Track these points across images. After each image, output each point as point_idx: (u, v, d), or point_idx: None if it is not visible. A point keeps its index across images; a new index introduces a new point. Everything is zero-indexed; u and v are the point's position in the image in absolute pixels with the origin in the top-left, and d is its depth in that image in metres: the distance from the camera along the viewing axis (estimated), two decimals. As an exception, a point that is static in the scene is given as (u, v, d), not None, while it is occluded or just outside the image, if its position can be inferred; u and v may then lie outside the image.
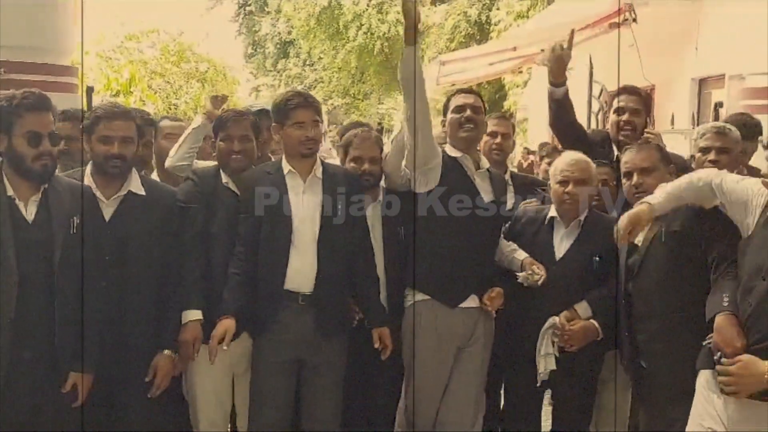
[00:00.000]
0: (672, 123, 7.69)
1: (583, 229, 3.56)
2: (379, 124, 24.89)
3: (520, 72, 14.72)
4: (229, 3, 31.87)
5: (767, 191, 2.74)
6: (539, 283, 3.43)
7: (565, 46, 3.93)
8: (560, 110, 3.96)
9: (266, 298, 3.38)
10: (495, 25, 20.58)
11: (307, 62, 28.46)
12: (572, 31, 4.14)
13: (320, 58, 25.80)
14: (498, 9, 20.75)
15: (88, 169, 3.23)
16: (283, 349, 3.36)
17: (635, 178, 3.24)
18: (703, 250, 2.94)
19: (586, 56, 9.50)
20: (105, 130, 3.14)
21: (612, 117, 4.00)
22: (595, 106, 8.42)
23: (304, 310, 3.36)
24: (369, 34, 22.17)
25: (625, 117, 3.90)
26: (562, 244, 3.56)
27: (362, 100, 27.74)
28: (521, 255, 3.57)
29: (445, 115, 3.68)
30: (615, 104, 3.98)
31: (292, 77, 29.71)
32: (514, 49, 10.63)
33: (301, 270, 3.38)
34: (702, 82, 8.06)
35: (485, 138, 4.12)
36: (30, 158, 2.89)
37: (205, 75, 10.87)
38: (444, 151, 3.59)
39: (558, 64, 3.91)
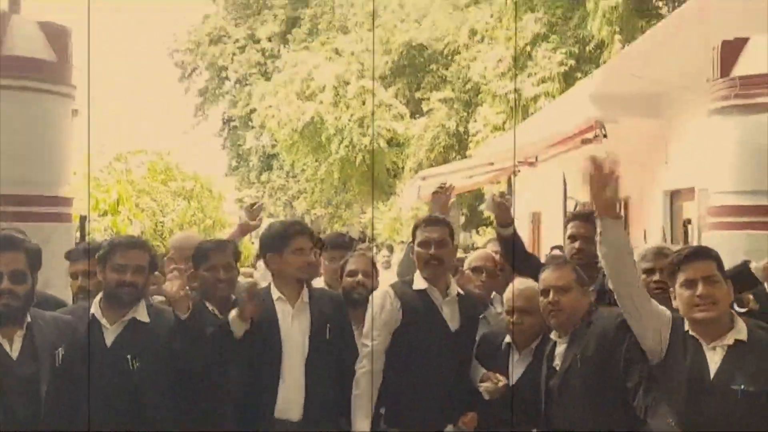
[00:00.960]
0: (645, 239, 7.91)
1: (535, 357, 3.57)
2: (362, 233, 25.21)
3: (498, 182, 15.10)
4: (214, 118, 32.73)
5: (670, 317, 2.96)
6: (501, 391, 3.48)
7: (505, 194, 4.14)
8: (509, 246, 4.05)
9: (256, 425, 3.39)
10: (473, 136, 21.20)
11: (290, 174, 28.94)
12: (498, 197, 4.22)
13: (303, 170, 26.29)
14: (475, 121, 21.41)
15: (98, 298, 3.26)
16: None
17: (551, 295, 3.33)
18: (622, 374, 3.02)
19: (560, 174, 9.84)
20: (120, 259, 3.19)
21: (566, 243, 4.08)
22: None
23: None
24: (351, 147, 22.72)
25: (577, 245, 3.94)
26: (516, 371, 3.60)
27: (345, 210, 28.13)
28: (482, 369, 3.64)
29: (414, 240, 3.75)
30: (568, 231, 4.03)
31: (275, 189, 30.14)
32: (491, 163, 10.99)
33: (290, 397, 3.40)
34: (674, 195, 8.35)
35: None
36: None
37: (191, 192, 11.08)
38: (407, 283, 3.70)
39: (501, 210, 4.04)
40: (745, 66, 4.66)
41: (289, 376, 3.42)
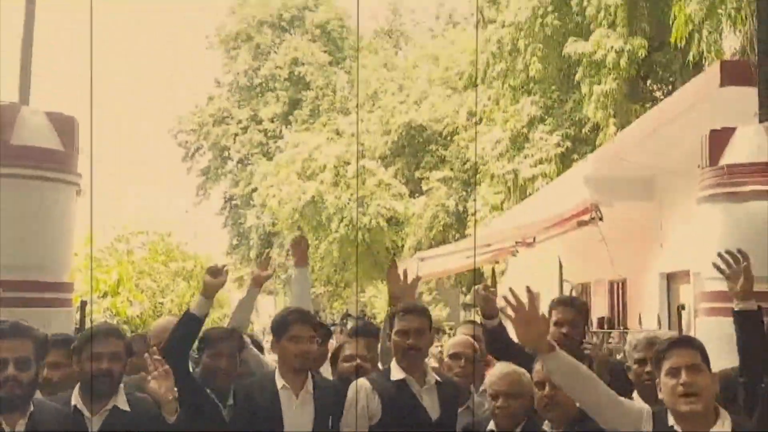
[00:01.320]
0: (639, 323, 7.96)
1: None
2: (362, 311, 25.15)
3: (498, 262, 15.19)
4: (216, 197, 33.09)
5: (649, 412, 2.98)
6: None
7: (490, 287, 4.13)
8: (494, 335, 3.99)
9: None
10: (472, 215, 21.42)
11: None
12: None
13: (303, 249, 26.35)
14: (474, 200, 21.67)
15: (76, 388, 3.26)
16: None
17: (547, 388, 3.32)
18: None
19: (556, 257, 9.95)
20: (95, 347, 3.19)
21: (551, 329, 3.87)
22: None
23: None
24: (350, 226, 22.91)
25: (564, 330, 3.93)
26: None
27: (344, 288, 28.13)
28: None
29: (390, 329, 3.70)
30: (553, 317, 3.98)
31: (275, 266, 30.25)
32: (489, 245, 11.10)
33: None
34: (670, 277, 8.42)
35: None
36: None
37: (191, 273, 11.16)
38: (384, 375, 3.65)
39: (486, 303, 3.99)
40: (732, 155, 4.80)
41: None
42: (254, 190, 27.89)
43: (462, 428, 3.74)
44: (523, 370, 3.55)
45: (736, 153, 4.79)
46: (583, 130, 17.53)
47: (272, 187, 24.89)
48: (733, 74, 5.70)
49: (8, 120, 4.30)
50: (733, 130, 4.87)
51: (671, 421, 2.96)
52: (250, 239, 31.01)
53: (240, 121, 31.62)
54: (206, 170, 32.98)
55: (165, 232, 11.43)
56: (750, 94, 5.03)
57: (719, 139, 4.87)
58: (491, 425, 3.59)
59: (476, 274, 20.52)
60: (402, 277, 4.15)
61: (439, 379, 3.72)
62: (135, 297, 9.67)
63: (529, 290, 3.27)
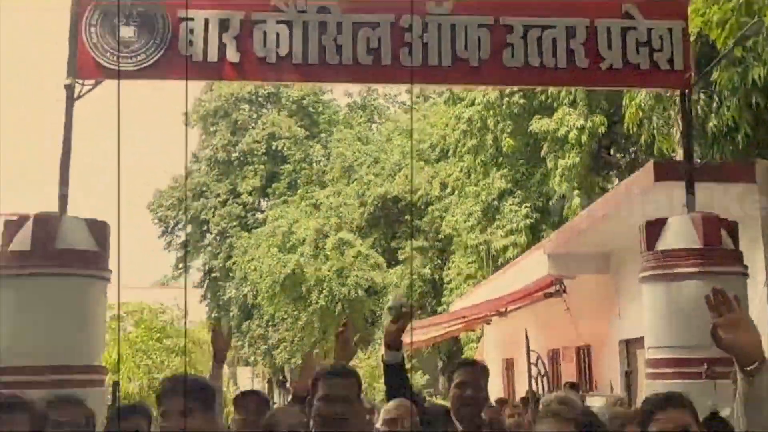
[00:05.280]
0: (595, 387, 8.71)
1: None
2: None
3: (473, 331, 15.92)
4: (194, 271, 33.50)
5: None
6: None
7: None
8: (395, 370, 3.81)
9: None
10: (447, 284, 22.13)
11: (270, 323, 29.50)
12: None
13: (284, 319, 26.84)
14: (449, 269, 22.36)
15: None
16: None
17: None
18: None
19: (528, 322, 10.74)
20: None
21: (454, 392, 3.91)
22: (534, 372, 9.51)
23: None
24: (330, 297, 23.45)
25: (468, 392, 3.81)
26: None
27: (325, 358, 28.43)
28: None
29: (314, 387, 3.23)
30: (455, 379, 3.88)
31: (255, 338, 30.55)
32: (464, 317, 11.90)
33: None
34: (628, 343, 9.22)
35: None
36: None
37: (182, 349, 11.72)
38: None
39: (391, 335, 3.80)
40: (665, 242, 5.66)
41: None
42: (234, 262, 28.39)
43: None
44: (408, 403, 3.48)
45: (668, 240, 5.65)
46: (551, 202, 18.44)
47: (253, 260, 25.48)
48: (663, 172, 6.67)
49: (53, 228, 5.08)
50: (665, 220, 5.74)
51: None
52: (230, 311, 31.36)
53: (218, 195, 32.24)
54: (185, 244, 33.48)
55: (159, 308, 12.06)
56: (680, 188, 5.92)
57: (654, 227, 5.72)
58: None
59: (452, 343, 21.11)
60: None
61: None
62: (134, 374, 10.24)
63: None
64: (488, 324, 14.15)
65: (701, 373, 5.22)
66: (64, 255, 5.09)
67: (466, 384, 3.81)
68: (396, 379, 3.79)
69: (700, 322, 5.27)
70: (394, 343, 3.77)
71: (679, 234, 5.66)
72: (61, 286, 5.07)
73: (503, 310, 12.35)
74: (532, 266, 10.36)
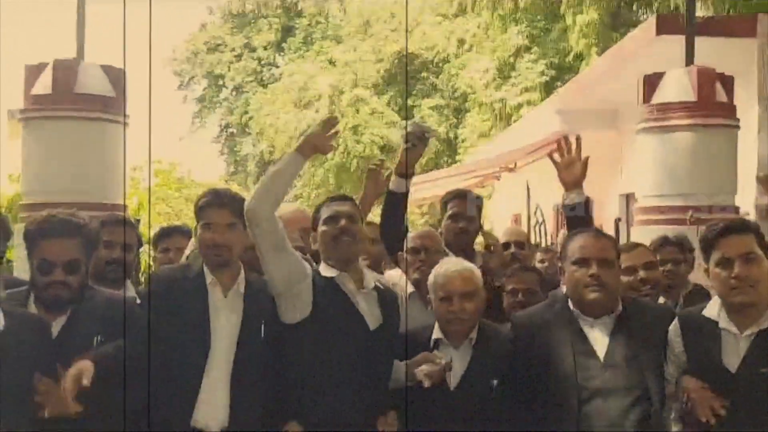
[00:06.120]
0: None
1: (476, 349, 3.03)
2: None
3: (484, 186, 16.25)
4: (212, 126, 33.74)
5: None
6: (444, 372, 2.87)
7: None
8: (395, 200, 3.67)
9: None
10: (462, 142, 22.32)
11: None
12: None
13: (300, 176, 27.23)
14: (464, 128, 22.47)
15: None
16: None
17: (594, 267, 2.88)
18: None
19: (537, 178, 11.04)
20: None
21: (446, 223, 3.88)
22: (533, 221, 9.88)
23: None
24: (346, 153, 23.71)
25: (461, 224, 3.82)
26: (452, 371, 2.95)
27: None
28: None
29: (315, 228, 3.13)
30: (449, 210, 3.87)
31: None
32: (474, 170, 12.20)
33: (210, 404, 2.87)
34: (628, 197, 9.52)
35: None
36: (40, 287, 2.83)
37: (201, 199, 12.18)
38: (316, 271, 3.05)
39: (406, 161, 3.64)
40: (661, 95, 5.82)
41: (212, 379, 2.88)
42: (250, 118, 28.55)
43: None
44: (473, 266, 3.19)
45: (664, 93, 5.81)
46: (567, 59, 18.30)
47: (269, 116, 25.61)
48: (665, 25, 6.73)
49: (72, 73, 5.32)
50: (663, 74, 5.87)
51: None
52: (247, 167, 31.77)
53: (233, 49, 31.83)
54: (201, 99, 33.43)
55: (176, 161, 12.45)
56: (681, 42, 6.01)
57: (652, 81, 5.87)
58: (436, 332, 3.10)
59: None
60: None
61: (380, 285, 3.15)
62: (153, 220, 10.71)
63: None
64: (498, 180, 14.47)
65: (686, 219, 5.54)
66: (83, 99, 5.35)
67: (458, 216, 3.86)
68: (394, 208, 3.69)
69: (687, 172, 5.62)
70: (403, 171, 3.65)
71: (675, 87, 5.83)
72: (82, 128, 5.37)
73: (512, 166, 12.63)
74: (542, 122, 10.53)
